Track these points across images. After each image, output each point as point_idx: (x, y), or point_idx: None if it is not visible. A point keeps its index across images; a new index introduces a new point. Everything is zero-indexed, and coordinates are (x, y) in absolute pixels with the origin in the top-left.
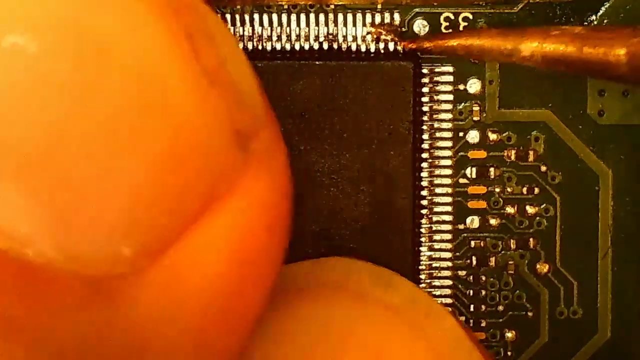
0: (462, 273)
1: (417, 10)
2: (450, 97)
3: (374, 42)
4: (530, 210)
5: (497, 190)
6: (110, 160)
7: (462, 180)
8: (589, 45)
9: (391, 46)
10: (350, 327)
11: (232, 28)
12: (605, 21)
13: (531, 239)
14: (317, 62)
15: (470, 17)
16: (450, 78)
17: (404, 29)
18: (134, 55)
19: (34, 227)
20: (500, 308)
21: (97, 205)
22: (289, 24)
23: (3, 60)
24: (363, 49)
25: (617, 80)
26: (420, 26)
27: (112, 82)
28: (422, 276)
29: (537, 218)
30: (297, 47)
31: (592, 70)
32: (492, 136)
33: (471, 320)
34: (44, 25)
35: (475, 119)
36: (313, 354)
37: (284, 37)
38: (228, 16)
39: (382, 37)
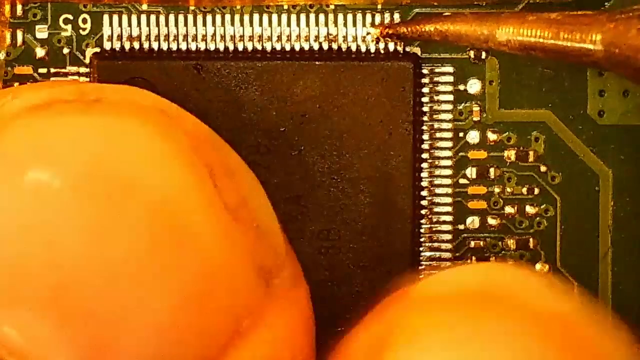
0: None
1: (417, 10)
2: (451, 97)
3: (375, 43)
4: (530, 210)
5: (497, 190)
6: (137, 296)
7: (462, 181)
8: (565, 30)
9: (391, 46)
10: (523, 341)
11: (232, 28)
12: None
13: (531, 239)
14: (317, 63)
15: None
16: (451, 78)
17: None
18: (158, 192)
19: (67, 356)
20: None
21: (128, 336)
22: (289, 24)
23: (27, 195)
24: (363, 49)
25: (593, 66)
26: None
27: (135, 219)
28: (423, 276)
29: (537, 218)
30: (297, 47)
31: (568, 56)
32: (492, 136)
33: None
34: (68, 162)
35: (475, 119)
36: None
37: (284, 37)
38: (228, 16)
39: (386, 38)
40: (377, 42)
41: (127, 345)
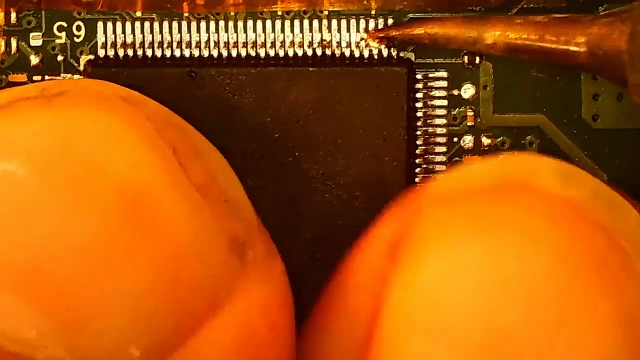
0: None
1: (411, 15)
2: (445, 102)
3: (367, 48)
4: None
5: None
6: (108, 275)
7: None
8: (550, 33)
9: (385, 52)
10: (533, 228)
11: (226, 34)
12: None
13: None
14: (311, 69)
15: None
16: (445, 83)
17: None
18: (124, 174)
19: (42, 333)
20: None
21: (102, 311)
22: (282, 30)
23: None
24: (357, 55)
25: (578, 69)
26: None
27: (102, 200)
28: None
29: None
30: (290, 53)
31: (554, 58)
32: (487, 141)
33: None
34: (32, 151)
35: (469, 124)
36: (498, 254)
37: (277, 44)
38: (222, 22)
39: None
40: (368, 46)
41: (102, 322)
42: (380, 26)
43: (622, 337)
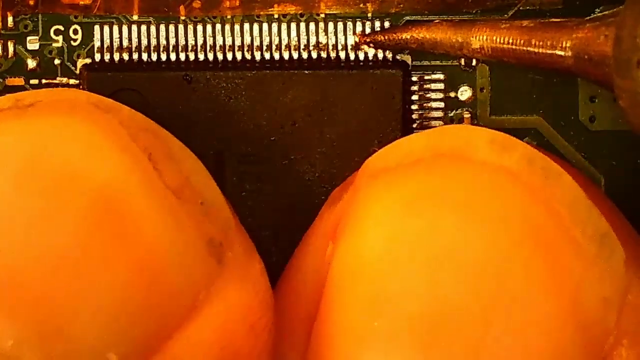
0: None
1: (407, 18)
2: (442, 104)
3: (353, 50)
4: None
5: None
6: (83, 282)
7: None
8: (536, 38)
9: (381, 55)
10: (469, 197)
11: (222, 38)
12: None
13: None
14: (306, 72)
15: None
16: (441, 85)
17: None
18: (98, 180)
19: (18, 342)
20: None
21: (79, 318)
22: (279, 33)
23: None
24: (352, 57)
25: (565, 73)
26: None
27: (76, 207)
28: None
29: None
30: (286, 56)
31: (540, 63)
32: None
33: None
34: (6, 161)
35: None
36: (435, 224)
37: (274, 47)
38: (219, 26)
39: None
40: (357, 50)
41: (78, 330)
42: (377, 29)
43: (560, 302)
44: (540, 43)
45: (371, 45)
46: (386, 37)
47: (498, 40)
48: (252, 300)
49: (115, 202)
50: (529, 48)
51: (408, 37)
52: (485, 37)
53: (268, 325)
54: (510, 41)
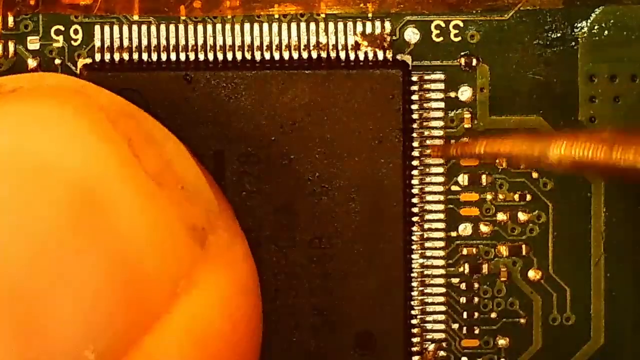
0: (454, 280)
1: (408, 18)
2: (442, 104)
3: (363, 51)
4: (522, 217)
5: (489, 197)
6: (61, 272)
7: (454, 188)
8: (617, 150)
9: (380, 54)
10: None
11: (222, 38)
12: (595, 27)
13: (523, 246)
14: (306, 72)
15: (461, 25)
16: (442, 85)
17: (395, 37)
18: (76, 168)
19: None
20: (493, 315)
21: (55, 314)
22: (279, 33)
23: None
24: (352, 57)
25: None
26: (411, 34)
27: (54, 196)
28: (415, 284)
29: (530, 225)
30: (286, 56)
31: (624, 175)
32: None
33: (464, 328)
34: None
35: (466, 126)
36: None
37: (274, 47)
38: (219, 26)
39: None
40: (357, 50)
41: (55, 326)
42: (377, 29)
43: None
44: (621, 156)
45: (443, 159)
46: (459, 152)
47: (577, 154)
48: (232, 286)
49: (93, 192)
50: (609, 161)
51: (481, 151)
52: (563, 151)
53: (249, 312)
54: (590, 155)
